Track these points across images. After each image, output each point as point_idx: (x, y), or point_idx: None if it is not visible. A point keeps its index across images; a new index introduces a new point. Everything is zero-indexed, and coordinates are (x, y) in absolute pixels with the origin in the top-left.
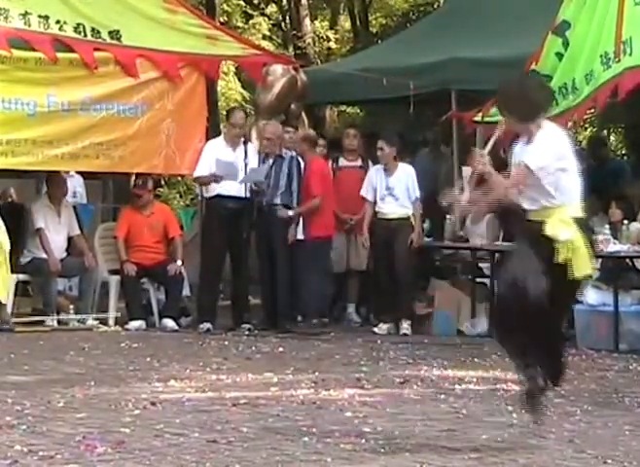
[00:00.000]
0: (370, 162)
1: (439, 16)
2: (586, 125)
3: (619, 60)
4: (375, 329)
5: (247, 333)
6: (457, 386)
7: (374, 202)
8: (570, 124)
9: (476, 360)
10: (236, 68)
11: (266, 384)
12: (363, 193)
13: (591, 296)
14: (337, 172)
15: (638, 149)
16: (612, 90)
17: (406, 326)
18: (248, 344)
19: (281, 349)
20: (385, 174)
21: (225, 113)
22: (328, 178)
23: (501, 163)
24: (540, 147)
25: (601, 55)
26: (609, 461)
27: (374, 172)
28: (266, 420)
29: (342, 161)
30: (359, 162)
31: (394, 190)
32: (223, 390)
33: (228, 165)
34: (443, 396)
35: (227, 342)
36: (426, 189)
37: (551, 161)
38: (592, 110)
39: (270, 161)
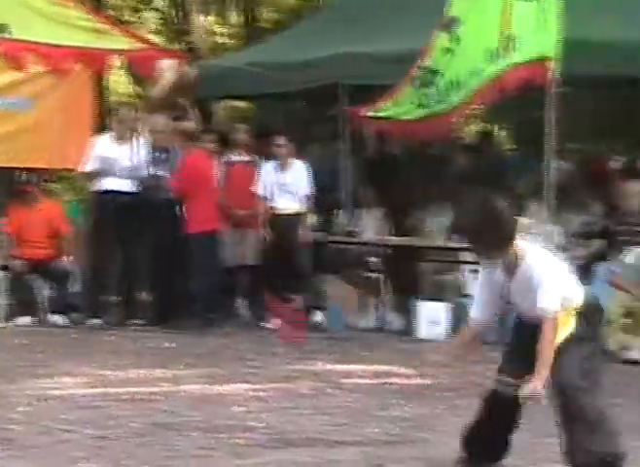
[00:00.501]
0: (260, 158)
1: (328, 10)
2: (474, 120)
3: (505, 57)
4: (267, 324)
5: (137, 328)
6: (347, 380)
7: (269, 198)
8: (460, 119)
9: (365, 354)
10: (125, 62)
11: (156, 380)
12: (256, 189)
13: None
14: (228, 167)
15: (525, 144)
16: (498, 86)
17: (319, 318)
18: (139, 340)
19: (172, 345)
20: (280, 170)
21: (113, 108)
22: (205, 173)
23: None
24: (546, 286)
25: (487, 52)
26: None
27: (269, 168)
28: (157, 416)
29: (233, 156)
30: (249, 157)
31: (289, 186)
32: (113, 386)
33: (110, 161)
34: (333, 390)
35: (117, 338)
36: (316, 184)
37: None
38: (480, 105)
39: (160, 155)
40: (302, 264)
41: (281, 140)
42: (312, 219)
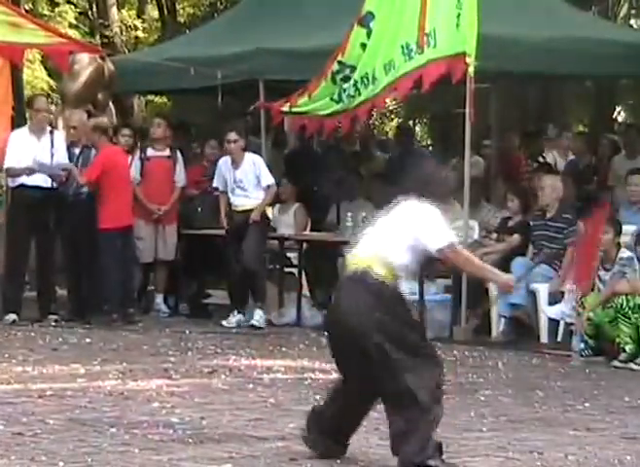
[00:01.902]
0: (178, 152)
1: (246, 6)
2: (393, 116)
3: (422, 52)
4: (224, 322)
5: (54, 324)
6: (265, 376)
7: (229, 193)
8: (374, 114)
9: (284, 349)
10: (42, 56)
11: (72, 376)
12: (215, 183)
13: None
14: (146, 162)
15: (442, 139)
16: (415, 82)
17: (257, 318)
18: (55, 335)
19: (88, 340)
20: (233, 166)
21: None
22: (118, 169)
23: None
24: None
25: (402, 46)
26: None
27: (223, 163)
28: (73, 412)
29: (150, 151)
30: (167, 152)
31: (242, 182)
32: (29, 382)
33: (26, 156)
34: (251, 385)
35: (33, 334)
36: None
37: None
38: (396, 101)
39: (77, 150)
40: (252, 265)
41: (232, 136)
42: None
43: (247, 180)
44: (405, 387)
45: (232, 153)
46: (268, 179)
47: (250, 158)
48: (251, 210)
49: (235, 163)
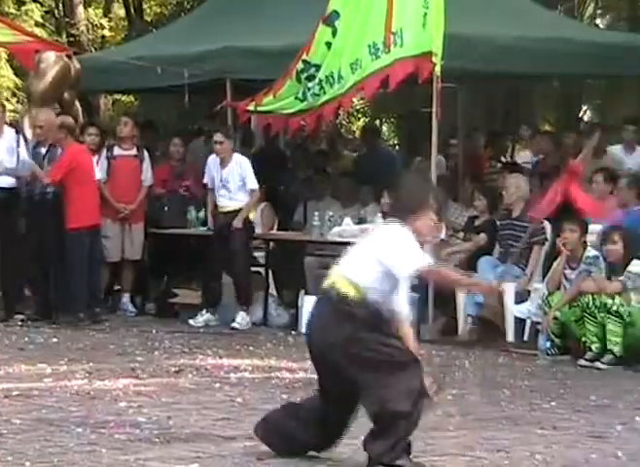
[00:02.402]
0: (145, 151)
1: (213, 5)
2: (360, 115)
3: (388, 51)
4: (192, 321)
5: (20, 323)
6: (232, 375)
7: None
8: (341, 113)
9: (251, 349)
10: (8, 55)
11: (39, 375)
12: (205, 179)
13: None
14: (112, 161)
15: (409, 138)
16: (382, 81)
17: (239, 320)
18: (21, 335)
19: (55, 340)
20: (220, 165)
21: None
22: (84, 168)
23: None
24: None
25: (369, 45)
26: None
27: (212, 161)
28: (40, 412)
29: (117, 150)
30: (134, 151)
31: (227, 182)
32: None
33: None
34: (218, 385)
35: (0, 333)
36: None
37: None
38: (363, 100)
39: (43, 149)
40: (237, 269)
41: (219, 136)
42: (200, 213)
43: (232, 180)
44: (379, 407)
45: (219, 153)
46: (253, 183)
47: (237, 159)
48: (234, 211)
49: (223, 163)
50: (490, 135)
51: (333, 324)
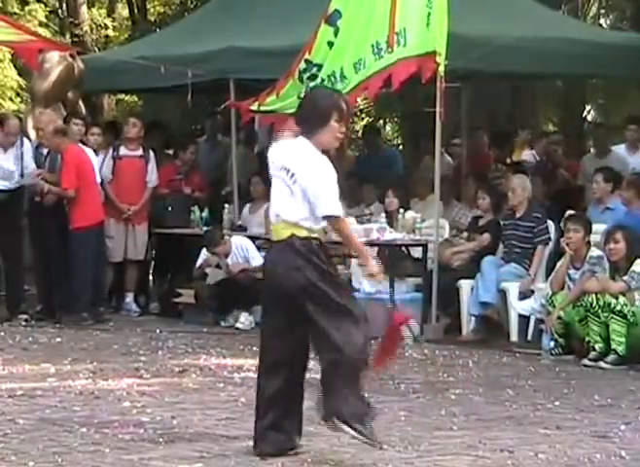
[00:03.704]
0: (151, 152)
1: (216, 4)
2: (363, 115)
3: (392, 51)
4: (238, 324)
5: (24, 323)
6: (236, 375)
7: None
8: None
9: (254, 348)
10: (12, 55)
11: (42, 375)
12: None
13: (368, 284)
14: (118, 161)
15: (413, 138)
16: (385, 81)
17: (242, 320)
18: (25, 335)
19: (59, 339)
20: None
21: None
22: (86, 167)
23: None
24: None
25: (372, 45)
26: (384, 446)
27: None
28: (43, 411)
29: (123, 150)
30: (140, 152)
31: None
32: None
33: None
34: (221, 384)
35: (2, 333)
36: (205, 178)
37: None
38: (366, 100)
39: (45, 150)
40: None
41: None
42: (204, 214)
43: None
44: (340, 354)
45: None
46: (258, 259)
47: (236, 242)
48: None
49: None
50: (496, 136)
51: (296, 268)
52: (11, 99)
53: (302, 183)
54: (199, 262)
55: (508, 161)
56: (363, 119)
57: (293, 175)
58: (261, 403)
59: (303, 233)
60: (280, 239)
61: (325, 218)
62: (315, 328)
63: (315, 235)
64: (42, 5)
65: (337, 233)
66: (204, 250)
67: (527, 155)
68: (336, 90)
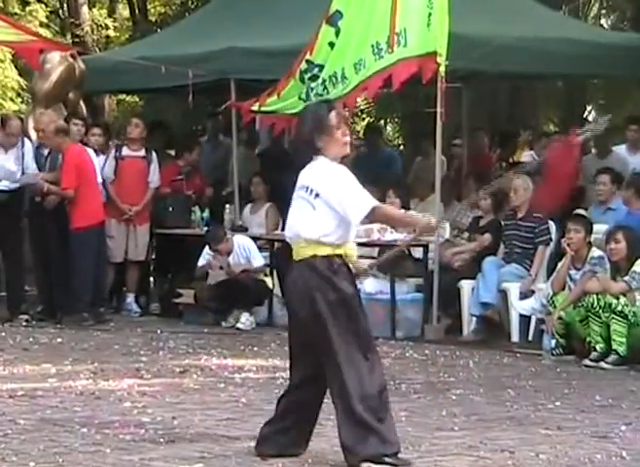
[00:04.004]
0: (153, 153)
1: (217, 5)
2: (364, 115)
3: (392, 51)
4: (239, 324)
5: (24, 324)
6: (237, 375)
7: None
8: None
9: (255, 349)
10: (13, 55)
11: (43, 375)
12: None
13: (368, 284)
14: (120, 161)
15: (413, 138)
16: (385, 81)
17: (243, 320)
18: (25, 335)
19: (59, 340)
20: None
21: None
22: (87, 167)
23: None
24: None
25: (372, 46)
26: None
27: None
28: (44, 412)
29: (126, 150)
30: (142, 152)
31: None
32: None
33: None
34: (222, 385)
35: (3, 333)
36: (206, 178)
37: None
38: (366, 100)
39: (45, 151)
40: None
41: None
42: (204, 214)
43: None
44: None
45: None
46: (259, 260)
47: (239, 241)
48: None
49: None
50: (500, 136)
51: (314, 292)
52: (12, 100)
53: (324, 195)
54: (202, 261)
55: (510, 160)
56: (364, 119)
57: (313, 191)
58: (280, 408)
59: (326, 251)
60: (301, 259)
61: (365, 218)
62: (328, 358)
63: (339, 252)
64: (43, 5)
65: (384, 222)
66: (206, 249)
67: (527, 155)
68: (325, 100)
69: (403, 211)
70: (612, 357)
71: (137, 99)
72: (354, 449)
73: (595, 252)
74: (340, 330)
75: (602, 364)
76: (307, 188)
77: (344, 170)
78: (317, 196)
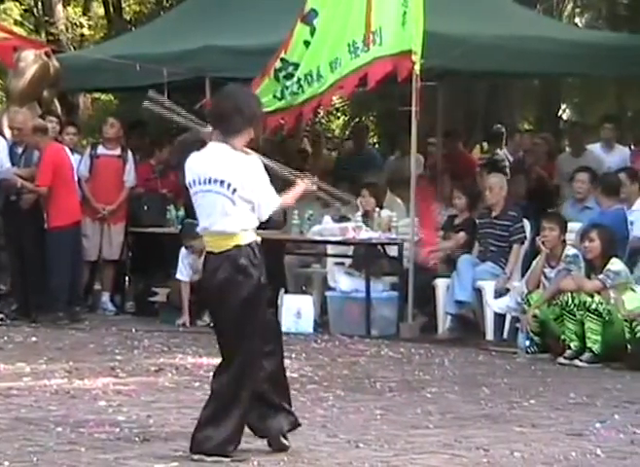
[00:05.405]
0: (129, 152)
1: (193, 3)
2: (339, 114)
3: (368, 50)
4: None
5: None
6: (212, 374)
7: None
8: (321, 111)
9: None
10: None
11: (18, 374)
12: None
13: (344, 282)
14: (95, 160)
15: (389, 137)
16: (361, 79)
17: None
18: (0, 334)
19: (34, 339)
20: None
21: None
22: (64, 166)
23: None
24: None
25: (349, 44)
26: (361, 445)
27: None
28: (19, 411)
29: (101, 149)
30: (118, 151)
31: None
32: None
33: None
34: (197, 384)
35: None
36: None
37: None
38: (342, 98)
39: (20, 149)
40: None
41: None
42: None
43: None
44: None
45: None
46: None
47: None
48: None
49: None
50: (489, 135)
51: (231, 286)
52: None
53: (242, 191)
54: (183, 276)
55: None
56: (339, 117)
57: (230, 186)
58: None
59: (247, 240)
60: (222, 250)
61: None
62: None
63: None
64: (17, 3)
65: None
66: (183, 250)
67: (499, 153)
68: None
69: (289, 195)
70: (586, 355)
71: (112, 98)
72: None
73: (570, 250)
74: (252, 320)
75: (577, 362)
76: (223, 182)
77: (257, 162)
78: (235, 191)
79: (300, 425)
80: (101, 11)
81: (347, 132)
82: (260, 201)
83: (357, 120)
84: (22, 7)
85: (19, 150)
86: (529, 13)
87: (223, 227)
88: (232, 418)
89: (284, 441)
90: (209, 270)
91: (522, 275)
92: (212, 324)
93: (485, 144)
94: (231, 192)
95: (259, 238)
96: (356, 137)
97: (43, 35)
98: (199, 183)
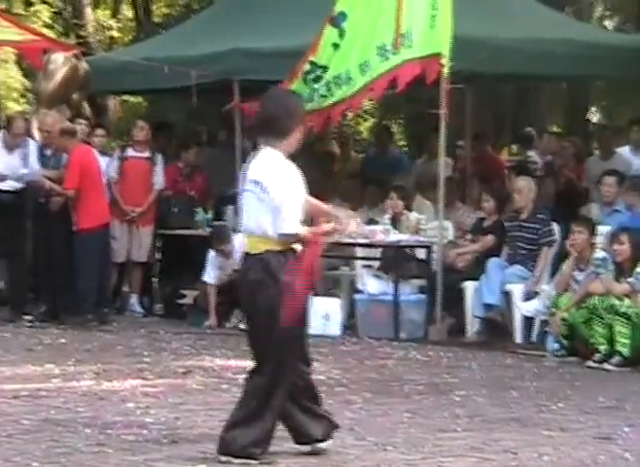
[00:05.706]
0: (159, 155)
1: (221, 6)
2: (367, 116)
3: (397, 52)
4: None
5: (28, 324)
6: (239, 376)
7: None
8: (349, 114)
9: None
10: (17, 56)
11: (47, 376)
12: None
13: (372, 285)
14: (124, 162)
15: (417, 139)
16: (390, 82)
17: None
18: (29, 336)
19: (63, 340)
20: None
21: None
22: (92, 168)
23: None
24: None
25: (378, 47)
26: (388, 448)
27: None
28: (48, 412)
29: (130, 151)
30: (147, 154)
31: None
32: (3, 382)
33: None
34: (225, 386)
35: (7, 334)
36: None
37: None
38: (371, 101)
39: (49, 151)
40: None
41: None
42: (208, 215)
43: None
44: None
45: None
46: None
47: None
48: None
49: None
50: (519, 137)
51: (260, 288)
52: (16, 101)
53: (273, 194)
54: (210, 278)
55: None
56: (366, 120)
57: (265, 188)
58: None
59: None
60: (256, 252)
61: (284, 236)
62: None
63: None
64: (47, 6)
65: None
66: (211, 253)
67: (531, 155)
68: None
69: (315, 229)
70: (615, 359)
71: (141, 100)
72: None
73: (599, 253)
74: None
75: (605, 365)
76: (257, 182)
77: (293, 172)
78: (266, 192)
79: (338, 427)
80: (130, 13)
81: (371, 135)
82: (278, 216)
83: (376, 122)
84: (52, 10)
85: (49, 152)
86: (556, 15)
87: (256, 228)
88: (264, 421)
89: (321, 445)
90: (243, 270)
91: (551, 278)
92: (243, 325)
93: (514, 146)
94: (263, 192)
95: (298, 247)
96: (378, 139)
97: (72, 38)
98: (245, 183)
